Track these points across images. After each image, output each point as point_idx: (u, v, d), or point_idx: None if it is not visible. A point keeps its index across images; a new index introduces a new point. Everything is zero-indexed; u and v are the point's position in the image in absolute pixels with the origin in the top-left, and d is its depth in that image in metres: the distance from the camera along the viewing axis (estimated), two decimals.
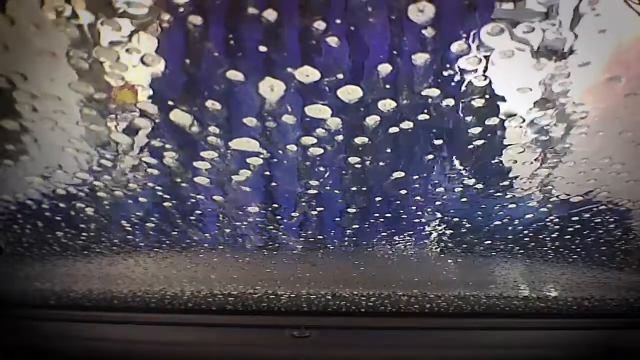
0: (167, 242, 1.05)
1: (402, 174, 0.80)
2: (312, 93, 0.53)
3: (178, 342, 1.22)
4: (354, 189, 0.85)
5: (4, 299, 1.21)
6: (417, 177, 0.82)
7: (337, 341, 1.25)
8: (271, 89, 0.51)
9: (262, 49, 0.48)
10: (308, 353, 1.21)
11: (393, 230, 1.02)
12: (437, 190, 0.87)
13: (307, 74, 0.49)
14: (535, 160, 0.79)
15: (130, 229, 0.98)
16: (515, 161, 0.80)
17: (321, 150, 0.70)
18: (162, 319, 1.26)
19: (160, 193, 0.84)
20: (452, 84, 0.59)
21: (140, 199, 0.85)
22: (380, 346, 1.23)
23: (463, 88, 0.60)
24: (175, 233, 1.01)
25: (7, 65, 0.58)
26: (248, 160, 0.71)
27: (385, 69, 0.53)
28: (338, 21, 0.46)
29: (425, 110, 0.62)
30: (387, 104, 0.57)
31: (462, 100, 0.62)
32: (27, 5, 0.51)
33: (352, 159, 0.75)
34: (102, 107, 0.65)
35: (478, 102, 0.62)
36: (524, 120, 0.67)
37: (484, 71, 0.58)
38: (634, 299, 1.25)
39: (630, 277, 1.21)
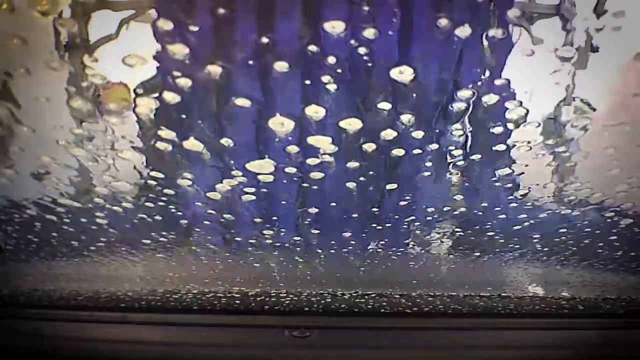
0: (170, 244, 1.11)
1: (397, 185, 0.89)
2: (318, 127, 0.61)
3: (179, 342, 1.26)
4: (354, 196, 0.94)
5: (7, 299, 1.26)
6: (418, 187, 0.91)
7: (337, 341, 1.28)
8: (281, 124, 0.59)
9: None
10: (308, 353, 1.26)
11: (392, 233, 1.09)
12: (436, 197, 0.96)
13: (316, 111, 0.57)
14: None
15: (135, 232, 1.06)
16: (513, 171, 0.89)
17: (322, 174, 0.78)
18: (164, 320, 1.29)
19: (167, 203, 0.91)
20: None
21: (150, 211, 0.92)
22: (380, 346, 1.27)
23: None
24: (178, 236, 1.08)
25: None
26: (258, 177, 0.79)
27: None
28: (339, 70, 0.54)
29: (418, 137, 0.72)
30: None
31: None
32: None
33: (350, 183, 0.84)
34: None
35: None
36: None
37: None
38: (634, 299, 1.30)
39: (630, 277, 1.27)
